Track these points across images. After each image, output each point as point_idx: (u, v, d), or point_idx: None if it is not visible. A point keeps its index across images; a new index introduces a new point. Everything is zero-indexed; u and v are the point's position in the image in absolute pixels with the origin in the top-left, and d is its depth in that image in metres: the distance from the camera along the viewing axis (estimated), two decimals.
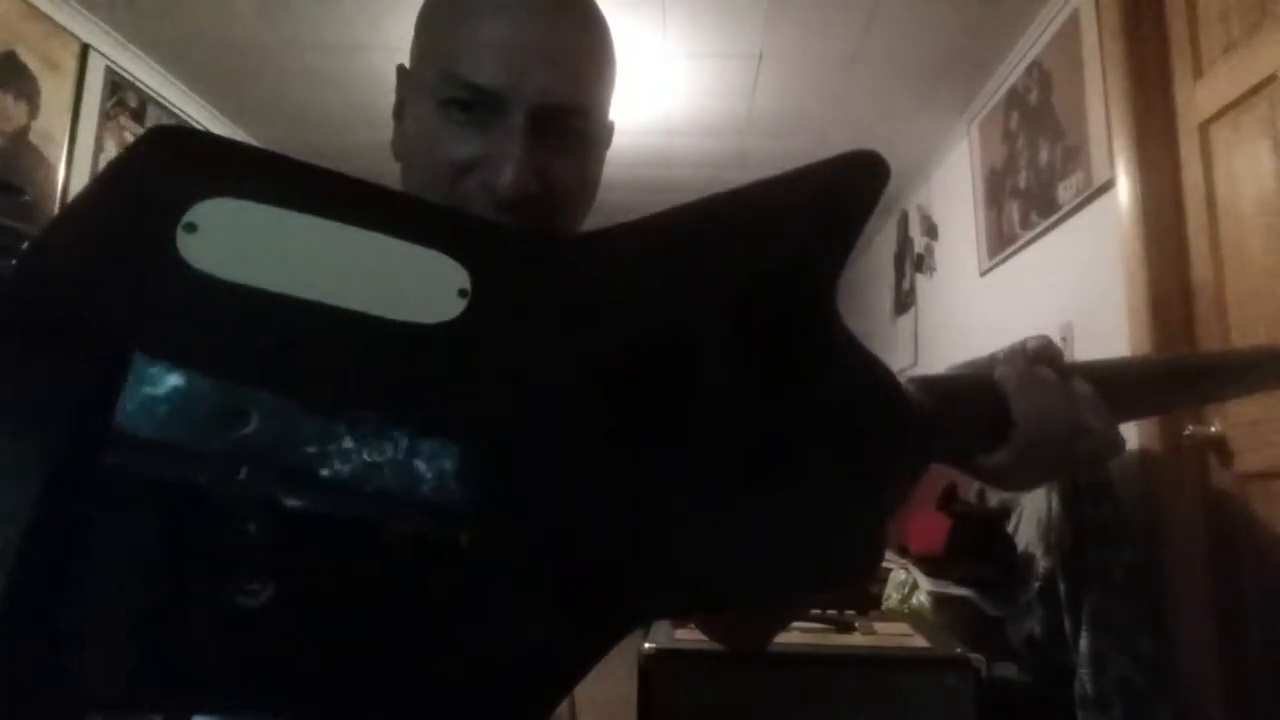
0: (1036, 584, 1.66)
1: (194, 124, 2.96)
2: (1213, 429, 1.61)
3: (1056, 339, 2.10)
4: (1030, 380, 0.54)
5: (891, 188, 2.93)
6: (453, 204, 0.60)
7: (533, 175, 0.59)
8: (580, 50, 0.62)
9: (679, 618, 1.25)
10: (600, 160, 0.70)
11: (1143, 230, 1.78)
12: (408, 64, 0.66)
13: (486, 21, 0.59)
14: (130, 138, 2.66)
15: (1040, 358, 0.56)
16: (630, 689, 1.36)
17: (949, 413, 0.52)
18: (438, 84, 0.60)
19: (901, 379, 0.53)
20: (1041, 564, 1.66)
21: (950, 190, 3.17)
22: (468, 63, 0.59)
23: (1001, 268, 2.68)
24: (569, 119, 0.61)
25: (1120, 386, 0.60)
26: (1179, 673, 1.58)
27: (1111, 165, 1.92)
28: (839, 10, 2.35)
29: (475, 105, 0.59)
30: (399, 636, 0.38)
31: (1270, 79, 1.49)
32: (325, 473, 0.37)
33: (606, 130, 0.70)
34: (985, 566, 1.80)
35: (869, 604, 1.93)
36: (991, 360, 0.57)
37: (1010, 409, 0.53)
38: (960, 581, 1.81)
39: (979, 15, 2.36)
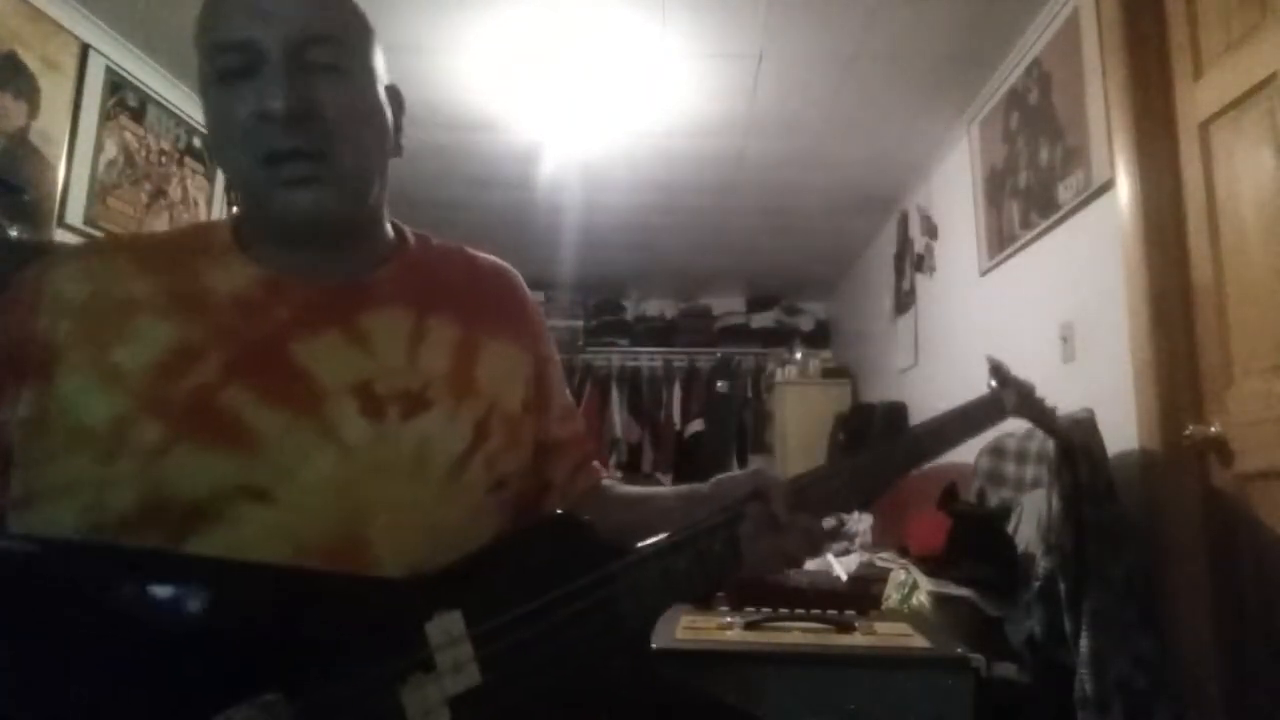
0: (1036, 584, 1.65)
1: (194, 124, 2.96)
2: (1213, 429, 1.61)
3: (1056, 339, 2.10)
4: (758, 534, 0.78)
5: (891, 188, 2.95)
6: (250, 153, 0.71)
7: (298, 95, 0.70)
8: None
9: None
10: (373, 97, 0.79)
11: (1143, 230, 1.78)
12: None
13: None
14: (130, 138, 2.66)
15: (776, 499, 0.78)
16: None
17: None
18: (211, 60, 0.72)
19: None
20: (1041, 564, 1.66)
21: (950, 190, 3.17)
22: (223, 29, 0.72)
23: (1001, 268, 2.68)
24: (320, 49, 0.73)
25: (833, 496, 0.85)
26: (1179, 673, 1.58)
27: (1111, 165, 1.92)
28: (839, 10, 2.35)
29: (243, 68, 0.71)
30: None
31: (1270, 79, 1.49)
32: None
33: (372, 73, 0.79)
34: (985, 566, 1.80)
35: (869, 604, 1.93)
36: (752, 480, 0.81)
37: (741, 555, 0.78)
38: (960, 581, 1.81)
39: (979, 15, 2.36)
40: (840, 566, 2.41)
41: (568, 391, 0.98)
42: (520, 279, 0.94)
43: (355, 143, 0.75)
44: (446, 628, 0.63)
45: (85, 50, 2.44)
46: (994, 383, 1.12)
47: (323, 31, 0.73)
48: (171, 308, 0.71)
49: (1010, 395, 1.09)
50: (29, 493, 0.65)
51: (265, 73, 0.70)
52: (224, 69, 0.72)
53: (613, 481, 0.99)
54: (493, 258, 0.94)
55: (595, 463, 0.98)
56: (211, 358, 0.69)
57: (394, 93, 0.83)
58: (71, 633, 0.55)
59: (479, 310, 0.84)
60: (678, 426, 5.36)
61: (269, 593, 0.61)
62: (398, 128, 0.83)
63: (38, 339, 0.68)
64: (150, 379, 0.67)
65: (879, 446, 0.94)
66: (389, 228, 0.86)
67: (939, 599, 1.81)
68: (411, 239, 0.87)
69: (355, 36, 0.77)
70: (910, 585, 1.94)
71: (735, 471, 0.85)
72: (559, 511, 0.83)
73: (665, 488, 0.95)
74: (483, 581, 0.67)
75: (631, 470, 5.21)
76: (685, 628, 1.56)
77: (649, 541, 0.75)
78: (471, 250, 0.92)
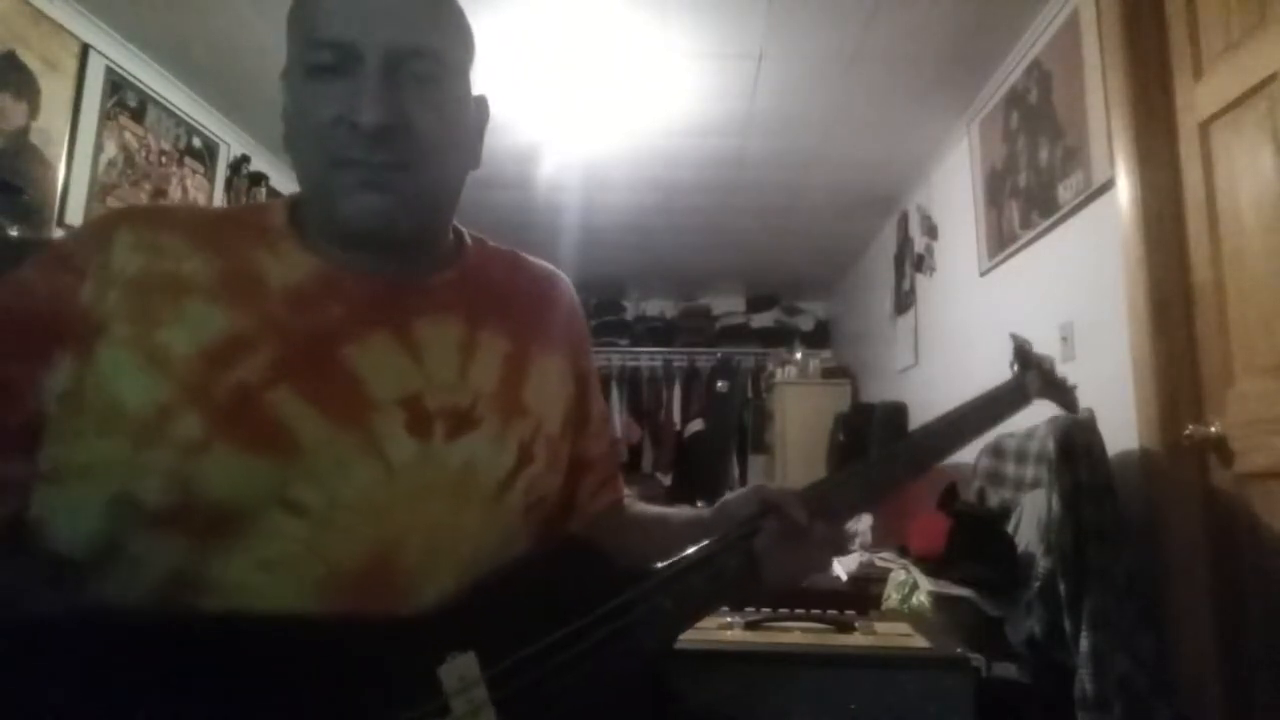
0: (1036, 584, 1.65)
1: (194, 124, 2.96)
2: (1213, 429, 1.61)
3: (1056, 339, 2.10)
4: (777, 548, 0.76)
5: (891, 188, 2.95)
6: (327, 155, 0.68)
7: (391, 110, 0.67)
8: (423, 0, 0.72)
9: None
10: (463, 112, 0.77)
11: (1143, 230, 1.78)
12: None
13: None
14: (130, 138, 2.66)
15: (791, 509, 0.76)
16: None
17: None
18: (303, 53, 0.70)
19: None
20: (1041, 564, 1.66)
21: (950, 190, 3.17)
22: (323, 24, 0.69)
23: (1001, 268, 2.68)
24: (420, 62, 0.70)
25: (850, 500, 0.83)
26: (1179, 673, 1.58)
27: (1111, 165, 1.92)
28: (839, 10, 2.35)
29: (336, 66, 0.68)
30: None
31: (1270, 79, 1.49)
32: None
33: (466, 86, 0.77)
34: (985, 566, 1.80)
35: (869, 604, 1.93)
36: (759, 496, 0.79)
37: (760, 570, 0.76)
38: (960, 581, 1.81)
39: (979, 15, 2.36)
40: (840, 566, 2.41)
41: (603, 403, 0.95)
42: (570, 289, 0.91)
43: (440, 159, 0.73)
44: (460, 672, 0.61)
45: (85, 50, 2.44)
46: (1016, 366, 1.05)
47: (425, 45, 0.70)
48: (223, 293, 0.68)
49: (1034, 379, 1.03)
50: (59, 468, 0.63)
51: (359, 78, 0.68)
52: (315, 64, 0.69)
53: (631, 499, 0.97)
54: (546, 265, 0.91)
55: (618, 478, 0.96)
56: (260, 352, 0.66)
57: (481, 103, 0.81)
58: (74, 698, 0.54)
59: (528, 323, 0.82)
60: (678, 426, 5.37)
61: (279, 645, 0.59)
62: (479, 138, 0.81)
63: (82, 307, 0.65)
64: (194, 366, 0.64)
65: (894, 447, 0.90)
66: (450, 231, 0.83)
67: (939, 599, 1.81)
68: (470, 242, 0.85)
69: (456, 51, 0.75)
70: (910, 585, 1.94)
71: (734, 492, 0.83)
72: (571, 538, 0.80)
73: (676, 511, 0.92)
74: (496, 616, 0.65)
75: (632, 470, 5.22)
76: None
77: (664, 565, 0.73)
78: (525, 258, 0.90)
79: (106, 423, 0.63)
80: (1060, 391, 1.08)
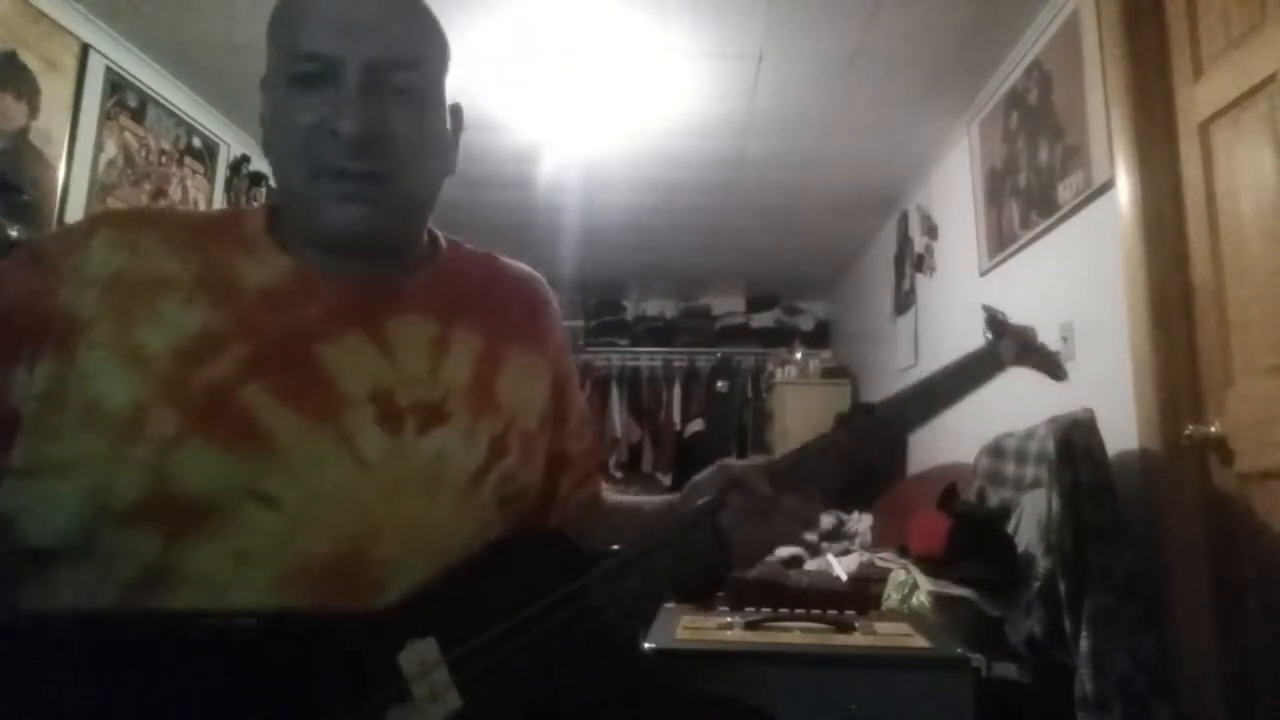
0: (1036, 584, 1.65)
1: (194, 124, 2.96)
2: (1213, 429, 1.61)
3: (1056, 338, 2.09)
4: (743, 522, 0.74)
5: (891, 188, 2.95)
6: (309, 164, 0.70)
7: (372, 120, 0.69)
8: (402, 13, 0.74)
9: None
10: (440, 121, 0.79)
11: (1143, 230, 1.78)
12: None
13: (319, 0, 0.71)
14: (130, 138, 2.66)
15: (755, 483, 0.75)
16: None
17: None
18: (285, 62, 0.71)
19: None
20: (1041, 564, 1.66)
21: (950, 190, 3.17)
22: (306, 36, 0.70)
23: (1001, 268, 2.68)
24: (400, 74, 0.72)
25: (817, 470, 0.80)
26: (1179, 673, 1.58)
27: (1111, 165, 1.92)
28: (839, 10, 2.35)
29: (318, 75, 0.70)
30: None
31: (1270, 79, 1.49)
32: None
33: (443, 94, 0.79)
34: (985, 566, 1.80)
35: (869, 604, 1.93)
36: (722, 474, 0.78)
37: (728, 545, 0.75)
38: (960, 581, 1.81)
39: (979, 15, 2.36)
40: (840, 566, 2.41)
41: (584, 402, 0.96)
42: (547, 290, 0.93)
43: (418, 167, 0.75)
44: (419, 656, 0.62)
45: (85, 50, 2.44)
46: (989, 335, 1.02)
47: (404, 57, 0.72)
48: (199, 293, 0.70)
49: (1009, 347, 1.00)
50: (33, 464, 0.64)
51: (340, 89, 0.69)
52: (296, 74, 0.70)
53: (608, 492, 0.98)
54: (522, 266, 0.92)
55: (598, 475, 0.97)
56: (233, 350, 0.68)
57: (456, 111, 0.82)
58: (43, 696, 0.55)
59: (503, 322, 0.83)
60: (678, 426, 5.36)
61: (239, 641, 0.60)
62: (455, 146, 0.83)
63: (62, 309, 0.66)
64: (170, 365, 0.66)
65: (861, 417, 0.88)
66: (425, 234, 0.85)
67: (939, 599, 1.81)
68: (444, 245, 0.86)
69: (434, 61, 0.76)
70: (910, 585, 1.94)
71: (702, 472, 0.83)
72: (541, 527, 0.81)
73: (648, 499, 0.94)
74: (457, 603, 0.66)
75: (632, 470, 5.21)
76: (685, 628, 1.56)
77: (625, 546, 0.74)
78: (501, 259, 0.91)
79: (85, 419, 0.64)
80: (1040, 356, 1.05)
